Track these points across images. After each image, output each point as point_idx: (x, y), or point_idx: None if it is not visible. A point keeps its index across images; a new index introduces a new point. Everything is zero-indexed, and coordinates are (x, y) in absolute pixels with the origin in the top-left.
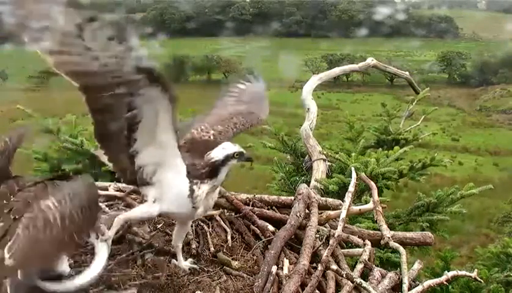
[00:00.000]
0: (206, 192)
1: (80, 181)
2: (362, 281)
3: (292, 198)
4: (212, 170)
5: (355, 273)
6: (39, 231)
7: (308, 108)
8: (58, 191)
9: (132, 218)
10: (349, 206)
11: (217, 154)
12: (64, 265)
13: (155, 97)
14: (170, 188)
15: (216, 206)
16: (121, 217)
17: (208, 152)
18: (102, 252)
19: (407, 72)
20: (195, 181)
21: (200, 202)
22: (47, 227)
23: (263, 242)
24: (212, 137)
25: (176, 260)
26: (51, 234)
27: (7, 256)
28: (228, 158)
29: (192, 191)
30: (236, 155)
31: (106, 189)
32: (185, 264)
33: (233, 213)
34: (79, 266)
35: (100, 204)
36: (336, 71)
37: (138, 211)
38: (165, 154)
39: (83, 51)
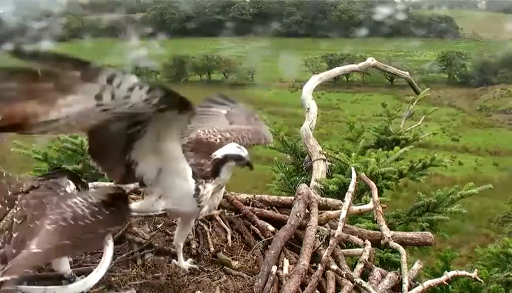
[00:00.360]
0: (212, 191)
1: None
2: (362, 281)
3: (292, 198)
4: (214, 169)
5: (355, 273)
6: (70, 222)
7: (308, 108)
8: (82, 191)
9: (135, 211)
10: (349, 206)
11: (218, 152)
12: (65, 266)
13: (171, 117)
14: (175, 190)
15: None
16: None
17: (215, 152)
18: (108, 252)
19: (407, 72)
20: (200, 181)
21: (206, 201)
22: (78, 219)
23: (263, 242)
24: (218, 141)
25: (177, 260)
26: (84, 225)
27: (33, 247)
28: (226, 158)
29: (197, 190)
30: (233, 158)
31: None
32: (185, 264)
33: (233, 213)
34: (79, 266)
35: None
36: (336, 71)
37: (142, 204)
38: (168, 159)
39: (100, 113)
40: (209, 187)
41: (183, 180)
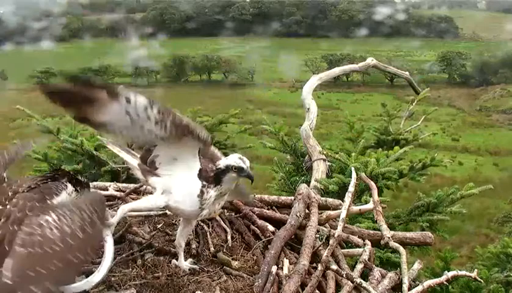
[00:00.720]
0: (214, 198)
1: (85, 194)
2: (362, 281)
3: (292, 198)
4: (216, 177)
5: (355, 273)
6: (37, 249)
7: (308, 108)
8: (60, 204)
9: (137, 209)
10: (349, 206)
11: (222, 162)
12: None
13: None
14: (181, 184)
15: None
16: (126, 207)
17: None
18: (109, 249)
19: (407, 72)
20: (204, 184)
21: (207, 205)
22: (45, 245)
23: (263, 242)
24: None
25: (177, 260)
26: (51, 252)
27: (5, 273)
28: (228, 169)
29: (202, 192)
30: (235, 169)
31: (106, 189)
32: (185, 264)
33: (233, 213)
34: None
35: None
36: (336, 71)
37: (144, 201)
38: (183, 151)
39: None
40: (212, 192)
41: (191, 174)
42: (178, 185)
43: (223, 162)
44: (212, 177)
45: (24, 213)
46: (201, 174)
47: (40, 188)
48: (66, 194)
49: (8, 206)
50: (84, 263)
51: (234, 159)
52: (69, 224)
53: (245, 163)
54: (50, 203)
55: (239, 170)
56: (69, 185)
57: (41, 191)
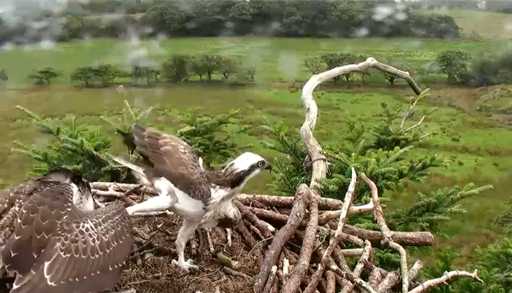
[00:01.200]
0: (222, 197)
1: (109, 206)
2: (362, 281)
3: (292, 198)
4: (237, 180)
5: (355, 273)
6: (80, 256)
7: (308, 108)
8: (91, 213)
9: (143, 210)
10: (349, 206)
11: (241, 164)
12: None
13: None
14: None
15: None
16: (132, 209)
17: (231, 162)
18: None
19: (407, 72)
20: (212, 184)
21: (212, 205)
22: (87, 251)
23: (263, 242)
24: None
25: (177, 260)
26: (93, 259)
27: (47, 276)
28: (253, 168)
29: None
30: (260, 164)
31: (106, 189)
32: (185, 264)
33: None
34: None
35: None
36: (336, 71)
37: (150, 203)
38: None
39: None
40: (221, 192)
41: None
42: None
43: (245, 165)
44: (228, 180)
45: (51, 220)
46: (208, 177)
47: (51, 191)
48: (76, 197)
49: (20, 208)
50: (121, 271)
51: (254, 157)
52: (105, 232)
53: (260, 157)
54: (72, 209)
55: (263, 164)
56: (74, 185)
57: (55, 195)
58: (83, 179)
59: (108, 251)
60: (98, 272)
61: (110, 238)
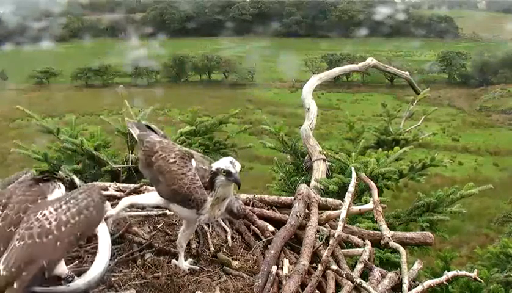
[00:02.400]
0: (210, 203)
1: (83, 188)
2: (362, 281)
3: (292, 198)
4: (210, 181)
5: (355, 273)
6: (34, 240)
7: (308, 108)
8: (56, 198)
9: (138, 203)
10: (349, 206)
11: (214, 164)
12: (62, 267)
13: None
14: None
15: None
16: (128, 199)
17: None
18: (103, 250)
19: (407, 72)
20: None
21: (204, 210)
22: (42, 235)
23: (263, 242)
24: None
25: (177, 260)
26: (48, 242)
27: (1, 267)
28: (218, 172)
29: None
30: (223, 172)
31: (106, 189)
32: (185, 264)
33: None
34: (79, 266)
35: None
36: (336, 71)
37: (146, 197)
38: None
39: None
40: (208, 199)
41: None
42: None
43: (214, 165)
44: (207, 182)
45: (18, 215)
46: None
47: (32, 191)
48: (60, 193)
49: (5, 211)
50: (78, 241)
51: (224, 162)
52: (66, 211)
53: (235, 168)
54: (42, 202)
55: (228, 174)
56: (61, 185)
57: (34, 193)
58: (78, 184)
59: (67, 227)
60: (52, 249)
61: (70, 215)
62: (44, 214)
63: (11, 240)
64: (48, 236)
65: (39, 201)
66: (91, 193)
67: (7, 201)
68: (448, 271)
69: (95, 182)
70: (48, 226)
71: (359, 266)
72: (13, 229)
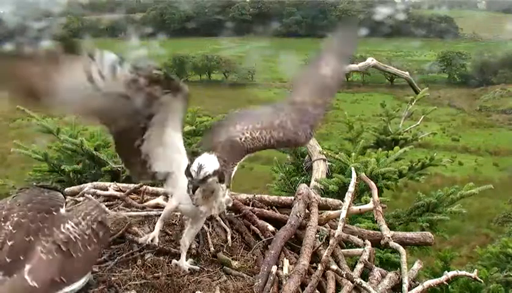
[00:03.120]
0: (200, 195)
1: (86, 203)
2: (362, 281)
3: (292, 198)
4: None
5: (355, 273)
6: (63, 255)
7: None
8: (72, 212)
9: (165, 217)
10: (349, 206)
11: (193, 159)
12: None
13: (167, 103)
14: (178, 184)
15: None
16: (160, 219)
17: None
18: None
19: (407, 72)
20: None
21: (199, 201)
22: (71, 250)
23: (263, 242)
24: (242, 139)
25: (177, 260)
26: (75, 257)
27: (28, 278)
28: (188, 168)
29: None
30: (187, 174)
31: (106, 189)
32: (185, 264)
33: (233, 213)
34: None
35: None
36: None
37: (166, 209)
38: (173, 152)
39: (96, 94)
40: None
41: (181, 172)
42: (175, 186)
43: (192, 160)
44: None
45: (37, 225)
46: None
47: (43, 200)
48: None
49: (13, 215)
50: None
51: (195, 164)
52: (84, 230)
53: (198, 175)
54: (57, 214)
55: (189, 176)
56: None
57: (46, 203)
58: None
59: (93, 242)
60: (77, 268)
61: (92, 232)
62: (68, 228)
63: (31, 250)
64: (77, 253)
65: (54, 213)
66: (98, 207)
67: (7, 213)
68: (448, 271)
69: (94, 182)
70: (74, 240)
71: (359, 266)
72: (32, 239)
